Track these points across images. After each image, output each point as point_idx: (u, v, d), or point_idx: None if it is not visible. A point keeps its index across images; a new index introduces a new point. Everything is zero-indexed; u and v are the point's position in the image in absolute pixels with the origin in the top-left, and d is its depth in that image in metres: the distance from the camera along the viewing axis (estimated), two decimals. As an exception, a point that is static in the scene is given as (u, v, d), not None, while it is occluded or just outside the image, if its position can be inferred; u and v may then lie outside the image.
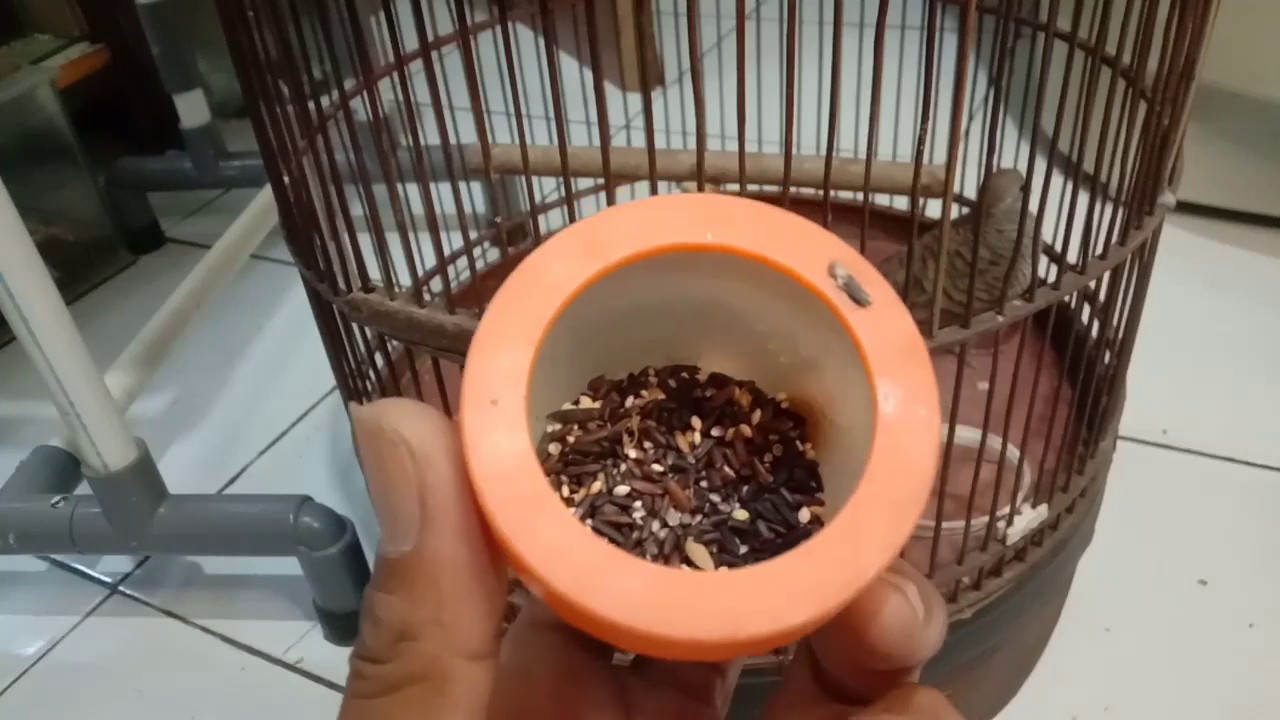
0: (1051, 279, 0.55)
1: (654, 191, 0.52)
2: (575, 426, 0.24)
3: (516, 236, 1.13)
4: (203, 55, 1.38)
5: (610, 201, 0.51)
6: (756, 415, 0.24)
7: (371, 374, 0.68)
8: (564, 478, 0.23)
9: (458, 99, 0.63)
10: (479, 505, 0.19)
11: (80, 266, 1.34)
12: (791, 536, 0.23)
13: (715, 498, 0.24)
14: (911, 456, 0.20)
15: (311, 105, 0.54)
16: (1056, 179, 0.50)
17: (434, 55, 0.52)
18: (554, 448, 0.24)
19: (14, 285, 0.69)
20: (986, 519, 0.63)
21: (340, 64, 0.51)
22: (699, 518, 0.23)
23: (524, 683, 0.24)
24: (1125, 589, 0.85)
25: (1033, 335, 0.61)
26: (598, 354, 0.24)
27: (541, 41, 0.46)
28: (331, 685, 0.84)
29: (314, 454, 1.06)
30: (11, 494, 0.84)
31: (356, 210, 0.57)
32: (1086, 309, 0.71)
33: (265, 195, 1.12)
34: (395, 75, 0.50)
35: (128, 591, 0.94)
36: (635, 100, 1.53)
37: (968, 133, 0.90)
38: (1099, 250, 0.56)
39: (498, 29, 0.49)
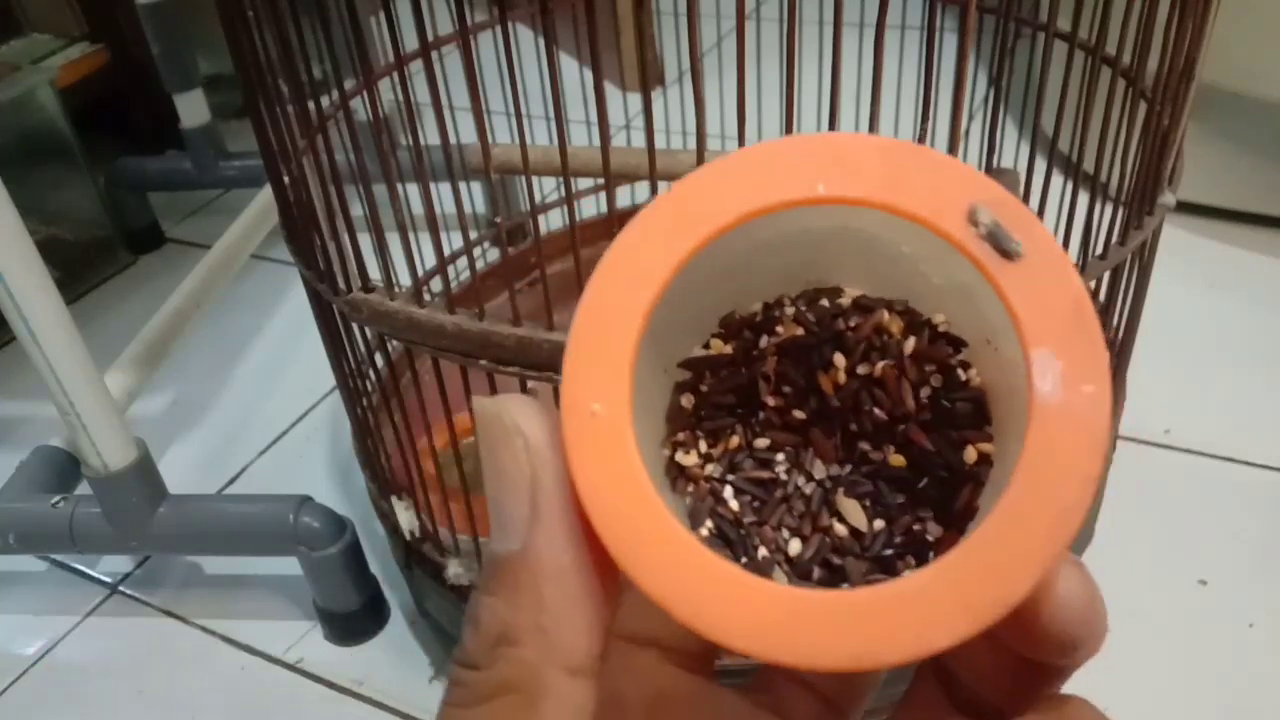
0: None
1: (654, 191, 0.52)
2: (707, 373, 0.22)
3: (516, 236, 1.13)
4: (203, 55, 1.37)
5: (610, 202, 0.51)
6: (910, 343, 0.21)
7: (371, 374, 0.68)
8: (699, 433, 0.21)
9: (458, 99, 0.63)
10: (588, 526, 0.18)
11: (80, 266, 1.34)
12: (956, 480, 0.20)
13: (866, 444, 0.21)
14: (1073, 445, 0.17)
15: (311, 105, 0.54)
16: (1056, 179, 0.50)
17: (434, 55, 0.53)
18: (686, 400, 0.21)
19: (14, 285, 0.69)
20: (986, 519, 0.63)
21: (340, 64, 0.51)
22: (849, 468, 0.21)
23: (614, 708, 0.22)
24: (1125, 589, 0.85)
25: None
26: (727, 287, 0.21)
27: (541, 41, 0.46)
28: (331, 685, 0.84)
29: (314, 454, 1.06)
30: (11, 494, 0.83)
31: (356, 210, 0.57)
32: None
33: (265, 195, 1.12)
34: (395, 75, 0.50)
35: (128, 591, 0.94)
36: (635, 100, 1.53)
37: (968, 133, 0.90)
38: (1099, 250, 0.56)
39: (498, 29, 0.49)
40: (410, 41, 0.51)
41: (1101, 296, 0.64)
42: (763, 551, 0.20)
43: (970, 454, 0.20)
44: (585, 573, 0.18)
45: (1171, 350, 1.02)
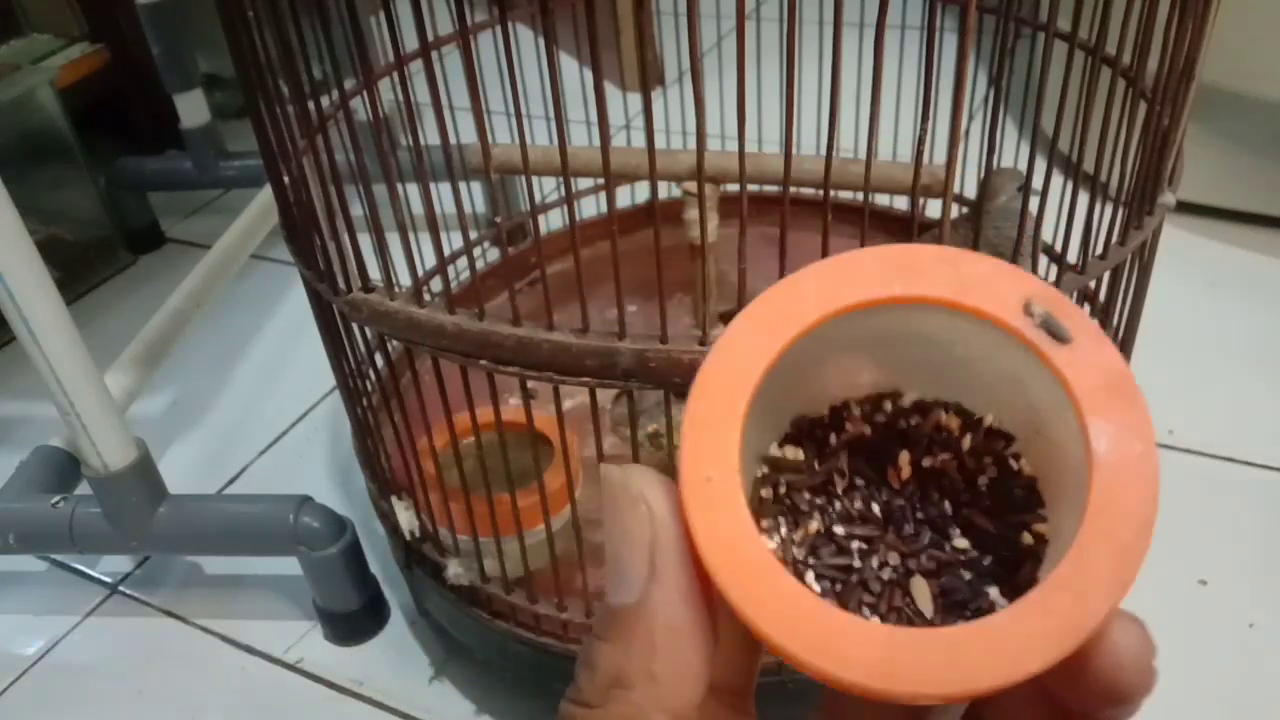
0: (1051, 279, 0.55)
1: (654, 191, 0.52)
2: (786, 470, 0.24)
3: (516, 236, 1.13)
4: (203, 55, 1.37)
5: (610, 202, 0.51)
6: (967, 440, 0.24)
7: (371, 374, 0.68)
8: (780, 519, 0.24)
9: (458, 99, 0.63)
10: (707, 577, 0.20)
11: (80, 266, 1.34)
12: (1016, 560, 0.22)
13: (932, 531, 0.23)
14: (1131, 496, 0.20)
15: (311, 105, 0.54)
16: (1056, 179, 0.50)
17: (434, 55, 0.53)
18: (766, 492, 0.24)
19: (14, 285, 0.69)
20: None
21: (340, 64, 0.51)
22: (919, 555, 0.23)
23: None
24: (1125, 589, 0.85)
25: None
26: (799, 391, 0.24)
27: (541, 41, 0.46)
28: (331, 685, 0.84)
29: (314, 454, 1.06)
30: (11, 494, 0.83)
31: (356, 210, 0.57)
32: (1086, 309, 0.71)
33: (265, 195, 1.12)
34: (395, 75, 0.50)
35: (128, 591, 0.94)
36: (635, 100, 1.53)
37: (968, 133, 0.90)
38: (1099, 250, 0.56)
39: (498, 29, 0.49)
40: (410, 41, 0.51)
41: (1101, 296, 0.64)
42: None
43: (1027, 536, 0.22)
44: (694, 629, 0.20)
45: (1171, 350, 1.02)
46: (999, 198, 0.70)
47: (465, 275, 0.89)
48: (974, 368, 0.23)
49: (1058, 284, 0.54)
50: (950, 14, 0.99)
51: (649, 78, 1.46)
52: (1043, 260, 0.72)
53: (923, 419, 0.24)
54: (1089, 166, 0.54)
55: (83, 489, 0.82)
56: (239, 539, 0.84)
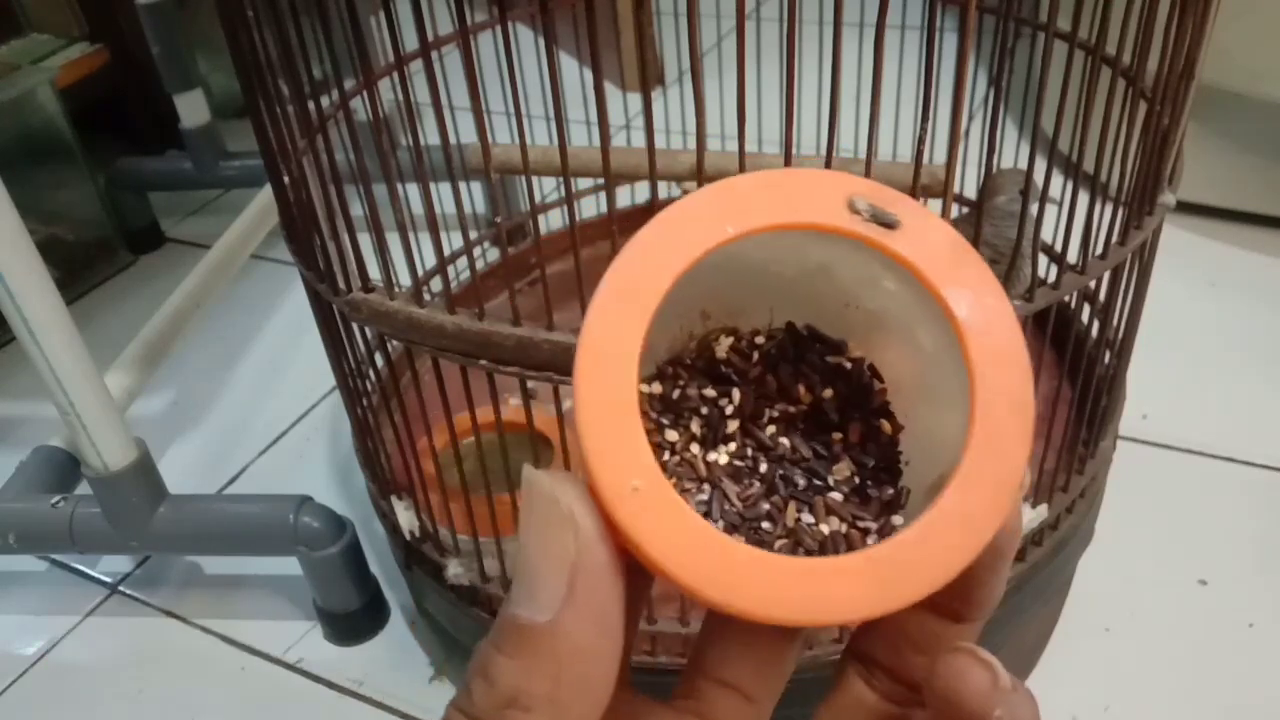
0: (1051, 279, 0.55)
1: (654, 191, 0.52)
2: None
3: (516, 236, 1.13)
4: (203, 55, 1.37)
5: (610, 202, 0.51)
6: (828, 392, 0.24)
7: (371, 374, 0.68)
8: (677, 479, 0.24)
9: (458, 99, 0.63)
10: (627, 597, 0.20)
11: (80, 266, 1.34)
12: (881, 452, 0.24)
13: (814, 456, 0.24)
14: (1007, 347, 0.20)
15: (311, 105, 0.54)
16: (1056, 179, 0.50)
17: (434, 55, 0.53)
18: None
19: (14, 285, 0.69)
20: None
21: (340, 64, 0.51)
22: (811, 477, 0.24)
23: None
24: (1125, 589, 0.85)
25: (1033, 335, 0.61)
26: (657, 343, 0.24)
27: (541, 41, 0.46)
28: (331, 685, 0.84)
29: (314, 454, 1.06)
30: (11, 494, 0.83)
31: (356, 210, 0.57)
32: (1086, 309, 0.71)
33: (265, 195, 1.12)
34: (395, 75, 0.50)
35: (128, 591, 0.94)
36: (635, 100, 1.53)
37: (968, 133, 0.90)
38: (1099, 250, 0.56)
39: (498, 29, 0.49)
40: (410, 41, 0.51)
41: (1101, 296, 0.64)
42: None
43: (885, 424, 0.24)
44: (604, 655, 0.19)
45: (1172, 350, 1.02)
46: (999, 196, 0.70)
47: (465, 275, 0.89)
48: (814, 283, 0.24)
49: (1058, 284, 0.54)
50: (950, 14, 0.99)
51: (649, 78, 1.46)
52: (1043, 260, 0.72)
53: (768, 340, 0.25)
54: (1089, 166, 0.54)
55: (83, 489, 0.82)
56: (239, 539, 0.84)
